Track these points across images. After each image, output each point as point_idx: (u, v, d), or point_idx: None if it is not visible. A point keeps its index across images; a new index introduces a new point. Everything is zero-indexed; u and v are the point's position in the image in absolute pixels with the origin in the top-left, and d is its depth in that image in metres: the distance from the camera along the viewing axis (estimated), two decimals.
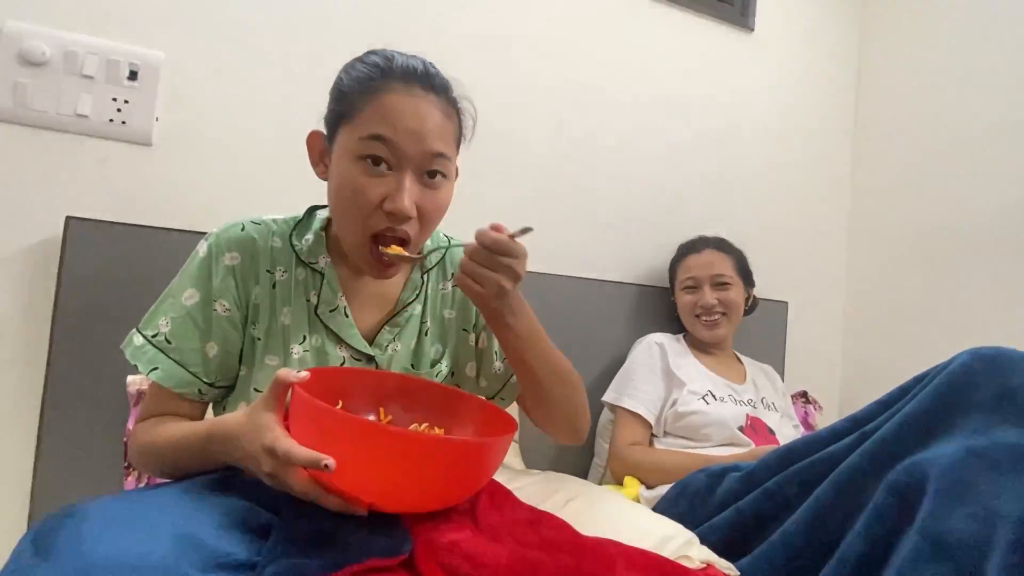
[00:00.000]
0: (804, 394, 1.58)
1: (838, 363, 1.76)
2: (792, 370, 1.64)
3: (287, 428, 0.53)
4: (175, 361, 0.66)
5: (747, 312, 1.39)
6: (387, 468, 0.50)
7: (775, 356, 1.59)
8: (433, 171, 0.66)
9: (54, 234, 0.95)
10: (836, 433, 0.80)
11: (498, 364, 0.79)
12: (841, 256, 1.78)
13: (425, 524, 0.53)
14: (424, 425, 0.66)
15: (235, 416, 0.57)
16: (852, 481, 0.74)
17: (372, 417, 0.66)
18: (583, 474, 1.32)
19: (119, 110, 1.00)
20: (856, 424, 0.79)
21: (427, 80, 0.66)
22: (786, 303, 1.65)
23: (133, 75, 1.01)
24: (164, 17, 1.03)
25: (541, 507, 0.67)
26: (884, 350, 1.66)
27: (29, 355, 0.94)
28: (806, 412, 1.52)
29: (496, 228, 0.62)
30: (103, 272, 0.95)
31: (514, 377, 0.78)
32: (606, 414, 1.33)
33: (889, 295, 1.66)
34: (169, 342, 0.66)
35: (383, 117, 0.63)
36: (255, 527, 0.50)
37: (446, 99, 0.67)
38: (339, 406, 0.62)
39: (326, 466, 0.47)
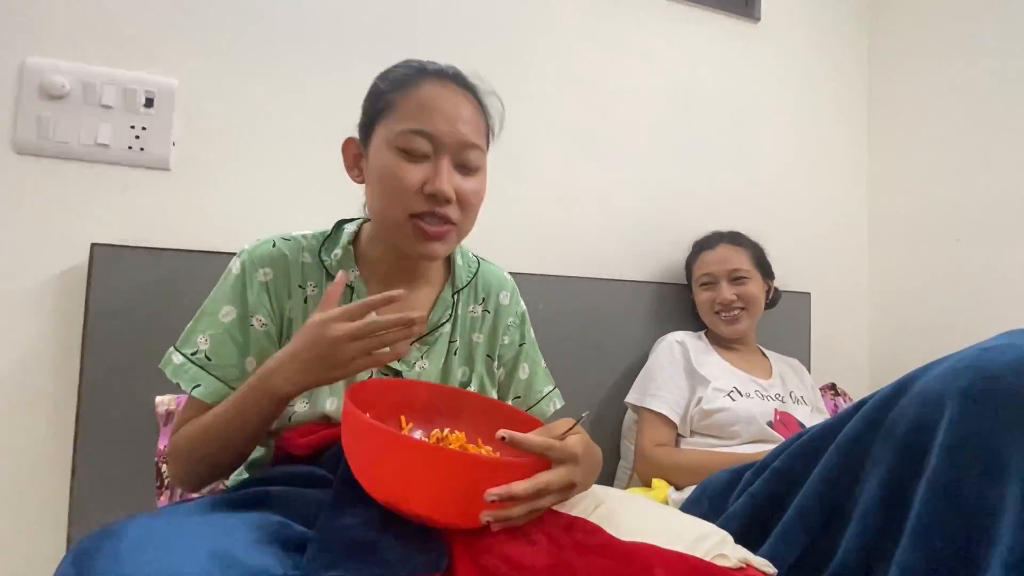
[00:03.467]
0: (833, 386, 1.54)
1: (866, 352, 1.73)
2: (819, 363, 1.61)
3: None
4: (216, 377, 0.67)
5: (769, 305, 1.37)
6: (454, 489, 0.51)
7: (800, 349, 1.56)
8: (470, 160, 0.69)
9: (80, 261, 0.97)
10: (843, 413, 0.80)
11: (509, 403, 0.80)
12: (863, 243, 1.74)
13: (465, 530, 0.53)
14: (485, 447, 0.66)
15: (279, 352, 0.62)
16: (854, 443, 0.73)
17: (419, 432, 0.67)
18: (609, 477, 1.31)
19: (137, 137, 1.03)
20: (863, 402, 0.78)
21: (459, 78, 0.71)
22: (808, 294, 1.62)
23: (149, 102, 1.03)
24: (177, 44, 1.06)
25: (571, 513, 0.67)
26: (913, 336, 1.62)
27: (61, 380, 0.97)
28: (836, 404, 1.49)
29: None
30: (129, 295, 0.97)
31: None
32: (630, 415, 1.31)
33: (915, 280, 1.62)
34: (209, 359, 0.67)
35: (420, 108, 0.67)
36: (289, 542, 0.50)
37: (475, 95, 0.72)
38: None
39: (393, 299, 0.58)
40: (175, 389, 0.73)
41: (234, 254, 0.74)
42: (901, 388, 0.71)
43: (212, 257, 1.00)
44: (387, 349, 0.60)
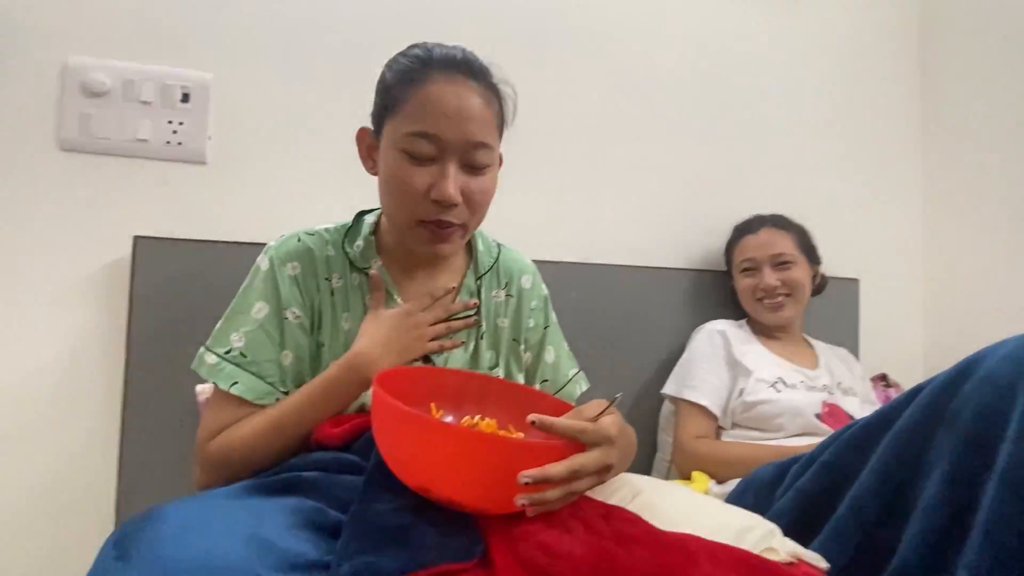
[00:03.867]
0: (884, 377, 1.47)
1: (919, 341, 1.63)
2: (868, 352, 1.53)
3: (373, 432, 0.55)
4: (253, 374, 0.68)
5: (815, 292, 1.30)
6: (489, 473, 0.50)
7: (848, 338, 1.49)
8: (477, 159, 0.66)
9: (124, 254, 1.00)
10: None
11: (537, 387, 0.80)
12: (916, 225, 1.64)
13: (498, 516, 0.52)
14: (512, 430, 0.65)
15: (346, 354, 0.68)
16: (913, 433, 0.68)
17: (450, 418, 0.66)
18: (646, 470, 1.28)
19: (175, 132, 1.05)
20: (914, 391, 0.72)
21: (467, 67, 0.67)
22: (857, 280, 1.54)
23: (185, 97, 1.05)
24: (211, 39, 1.07)
25: (609, 502, 0.64)
26: (971, 324, 1.52)
27: (107, 368, 1.00)
28: (887, 396, 1.41)
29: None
30: (171, 286, 0.99)
31: None
32: (667, 407, 1.28)
33: (973, 263, 1.52)
34: (245, 356, 0.68)
35: (425, 110, 0.64)
36: (324, 527, 0.50)
37: (486, 84, 0.68)
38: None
39: None
40: None
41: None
42: (964, 372, 0.66)
43: (249, 248, 1.00)
44: (455, 337, 0.74)
